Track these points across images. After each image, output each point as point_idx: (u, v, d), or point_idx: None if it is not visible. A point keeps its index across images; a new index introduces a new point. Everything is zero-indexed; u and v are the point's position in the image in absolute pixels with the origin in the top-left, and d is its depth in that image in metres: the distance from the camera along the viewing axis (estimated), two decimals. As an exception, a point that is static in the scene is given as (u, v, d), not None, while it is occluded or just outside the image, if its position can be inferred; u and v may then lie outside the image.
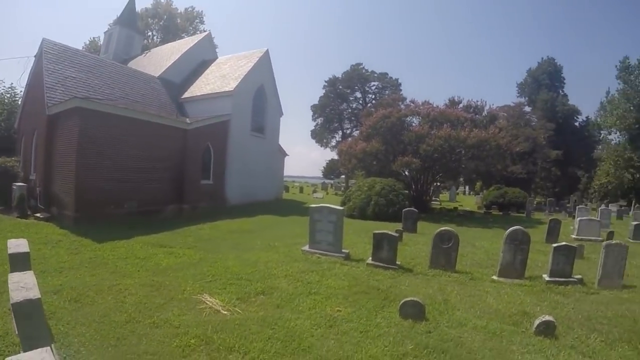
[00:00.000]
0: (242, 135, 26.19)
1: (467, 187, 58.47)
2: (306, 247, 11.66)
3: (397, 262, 10.52)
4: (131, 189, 18.00)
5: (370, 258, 10.63)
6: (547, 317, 6.80)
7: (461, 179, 50.39)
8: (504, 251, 10.30)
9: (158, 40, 58.23)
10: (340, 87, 72.25)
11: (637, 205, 47.16)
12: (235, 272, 9.16)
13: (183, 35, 55.51)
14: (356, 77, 71.50)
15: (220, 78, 27.51)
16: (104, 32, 39.73)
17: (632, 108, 56.86)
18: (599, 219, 22.62)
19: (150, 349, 5.38)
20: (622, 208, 40.46)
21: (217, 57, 33.54)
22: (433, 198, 38.59)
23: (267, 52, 30.16)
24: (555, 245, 10.30)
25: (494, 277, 10.30)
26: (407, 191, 26.59)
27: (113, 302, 7.03)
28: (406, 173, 29.16)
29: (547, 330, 6.61)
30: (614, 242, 10.60)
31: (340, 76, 72.06)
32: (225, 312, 6.76)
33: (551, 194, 54.56)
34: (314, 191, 44.10)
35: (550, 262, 10.25)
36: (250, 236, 14.88)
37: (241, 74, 26.82)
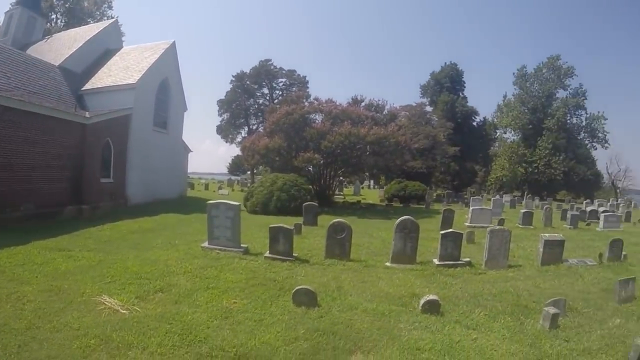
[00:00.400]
0: (144, 130, 24.93)
1: (372, 182, 60.28)
2: (206, 244, 11.56)
3: (294, 254, 10.72)
4: (28, 189, 16.55)
5: (268, 251, 10.79)
6: (432, 297, 7.30)
7: (366, 174, 52.14)
8: (395, 239, 10.85)
9: (62, 24, 54.11)
10: (248, 82, 71.43)
11: (529, 195, 51.02)
12: (135, 271, 9.01)
13: (89, 20, 51.97)
14: (264, 73, 70.99)
15: (123, 69, 25.72)
16: (5, 13, 35.97)
17: (526, 110, 64.90)
18: (491, 208, 24.30)
19: (51, 353, 5.24)
20: (515, 198, 43.69)
21: (122, 47, 31.66)
22: (337, 192, 39.44)
23: (173, 44, 29.04)
24: (442, 232, 11.09)
25: (387, 264, 10.80)
26: (310, 186, 26.97)
27: (12, 310, 6.70)
28: (310, 169, 29.65)
29: (432, 308, 7.09)
30: (497, 227, 11.62)
31: (248, 71, 71.40)
32: (124, 311, 6.68)
33: (451, 187, 57.94)
34: (220, 188, 43.59)
35: (439, 248, 10.98)
36: (151, 235, 14.57)
37: (145, 66, 25.45)
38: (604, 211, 26.78)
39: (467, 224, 19.56)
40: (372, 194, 44.62)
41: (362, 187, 52.03)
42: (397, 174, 41.61)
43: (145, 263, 9.90)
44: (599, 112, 65.37)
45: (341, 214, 21.39)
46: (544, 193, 57.48)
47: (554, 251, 11.97)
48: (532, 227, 20.92)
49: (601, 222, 22.73)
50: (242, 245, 11.43)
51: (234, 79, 71.57)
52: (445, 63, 70.80)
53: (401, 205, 32.98)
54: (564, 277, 10.79)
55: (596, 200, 47.87)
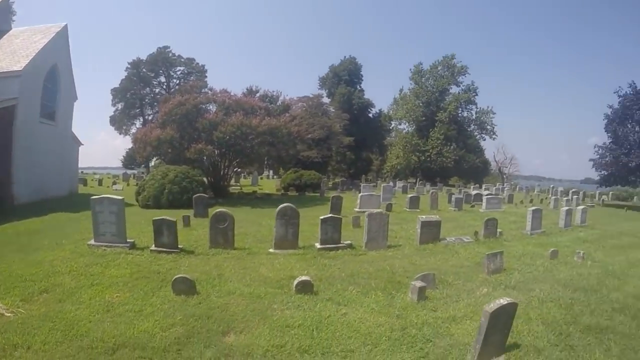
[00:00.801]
0: (30, 122, 22.48)
1: (271, 172, 60.27)
2: (92, 241, 11.17)
3: (179, 246, 10.72)
4: None
5: (154, 245, 10.72)
6: (304, 277, 7.68)
7: (265, 164, 52.25)
8: (277, 226, 11.21)
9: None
10: (144, 70, 67.26)
11: (421, 181, 53.91)
12: (20, 274, 8.64)
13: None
14: (162, 60, 67.80)
15: (9, 54, 23.10)
16: None
17: (420, 104, 69.14)
18: (382, 194, 25.44)
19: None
20: (408, 184, 45.82)
21: (11, 28, 28.81)
22: (234, 183, 39.29)
23: (65, 27, 26.50)
24: (322, 217, 11.56)
25: (271, 250, 11.13)
26: (202, 178, 26.73)
27: None
28: (204, 160, 28.93)
29: (305, 288, 7.45)
30: (375, 211, 12.30)
31: (145, 58, 67.64)
32: (9, 315, 6.51)
33: (347, 175, 59.71)
34: (114, 183, 41.59)
35: (319, 232, 11.44)
36: (38, 237, 13.74)
37: (33, 50, 22.96)
38: (487, 194, 28.84)
39: (356, 209, 20.37)
40: (270, 184, 44.81)
41: (261, 178, 51.84)
42: (293, 164, 41.80)
43: (30, 265, 9.48)
44: (488, 106, 71.06)
45: (235, 205, 21.52)
46: (437, 179, 60.55)
47: (431, 231, 12.93)
48: (419, 210, 22.19)
49: (484, 204, 24.64)
50: (128, 240, 11.20)
51: (129, 66, 67.06)
52: (345, 57, 71.95)
53: (297, 194, 33.36)
54: (440, 254, 11.76)
55: (484, 185, 52.11)
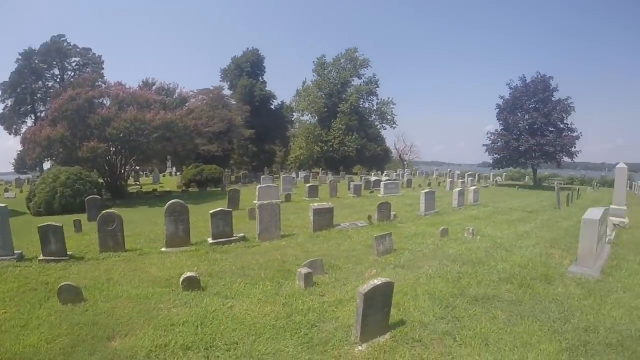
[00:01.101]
0: None
1: (174, 169, 58.23)
2: None
3: (68, 253, 10.06)
4: None
5: (42, 254, 9.89)
6: (190, 274, 7.40)
7: (168, 161, 50.62)
8: (167, 224, 10.78)
9: None
10: (37, 61, 61.73)
11: (323, 171, 55.25)
12: None
13: None
14: (56, 51, 62.09)
15: None
16: None
17: (323, 96, 70.17)
18: (282, 185, 25.43)
19: None
20: (311, 174, 46.47)
21: None
22: (134, 183, 37.82)
23: None
24: (212, 211, 11.27)
25: (163, 249, 10.72)
26: (98, 179, 25.39)
27: None
28: (99, 159, 27.30)
29: (191, 284, 7.20)
30: (266, 202, 12.20)
31: (37, 49, 61.50)
32: None
33: (251, 168, 59.13)
34: (7, 190, 38.20)
35: (211, 227, 11.17)
36: None
37: None
38: (386, 180, 29.63)
39: (255, 201, 20.06)
40: (172, 181, 43.33)
41: (164, 175, 49.89)
42: (193, 159, 40.69)
43: None
44: (389, 98, 73.77)
45: (134, 205, 20.76)
46: (341, 168, 61.45)
47: (324, 218, 13.00)
48: (318, 199, 22.35)
49: (382, 190, 25.30)
50: (16, 251, 10.26)
51: (20, 57, 60.85)
52: (248, 48, 70.52)
53: (198, 190, 32.57)
54: (333, 240, 11.85)
55: (386, 171, 53.57)
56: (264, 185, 21.35)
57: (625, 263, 9.79)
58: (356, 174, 56.98)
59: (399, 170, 58.34)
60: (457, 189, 21.05)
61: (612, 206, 16.60)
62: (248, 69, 66.19)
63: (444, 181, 41.05)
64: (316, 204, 13.63)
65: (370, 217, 14.75)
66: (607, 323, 6.10)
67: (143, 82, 36.64)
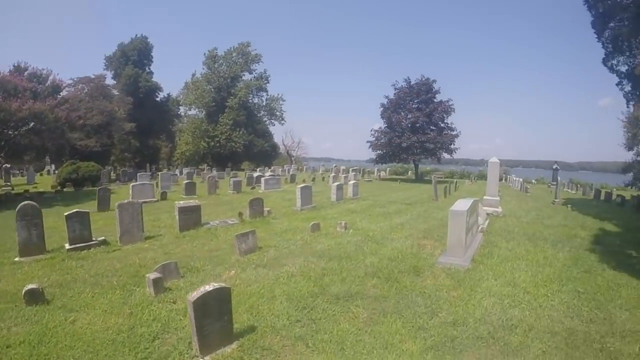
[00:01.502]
0: None
1: (53, 166, 53.79)
2: None
3: None
4: None
5: None
6: (31, 286, 6.79)
7: (47, 158, 46.57)
8: (18, 229, 9.81)
9: None
10: None
11: (208, 167, 55.06)
12: None
13: None
14: None
15: None
16: None
17: (212, 90, 69.01)
18: (160, 182, 24.68)
19: None
20: (195, 171, 45.76)
21: None
22: (4, 183, 34.79)
23: None
24: (66, 213, 10.52)
25: (16, 259, 9.76)
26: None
27: None
28: None
29: (34, 298, 6.63)
30: (125, 201, 11.65)
31: None
32: None
33: (133, 165, 56.82)
34: None
35: (67, 230, 10.43)
36: None
37: None
38: (269, 175, 29.73)
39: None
40: (49, 180, 40.31)
41: (41, 174, 45.83)
42: (68, 155, 37.83)
43: None
44: (278, 94, 75.71)
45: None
46: (229, 164, 60.72)
47: (191, 217, 12.76)
48: (196, 196, 21.95)
49: (262, 185, 25.31)
50: None
51: None
52: (136, 35, 66.89)
53: (74, 189, 30.20)
54: (199, 239, 11.66)
55: (273, 167, 53.64)
56: (137, 183, 20.54)
57: (496, 250, 10.63)
58: (244, 170, 56.61)
59: (285, 166, 58.54)
60: (335, 183, 21.59)
61: (485, 197, 17.92)
62: (134, 58, 63.25)
63: (328, 176, 41.81)
64: (182, 202, 13.33)
65: (241, 214, 14.67)
66: (476, 314, 6.37)
67: (14, 66, 33.89)
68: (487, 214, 16.69)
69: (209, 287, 5.01)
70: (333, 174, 38.41)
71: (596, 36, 25.42)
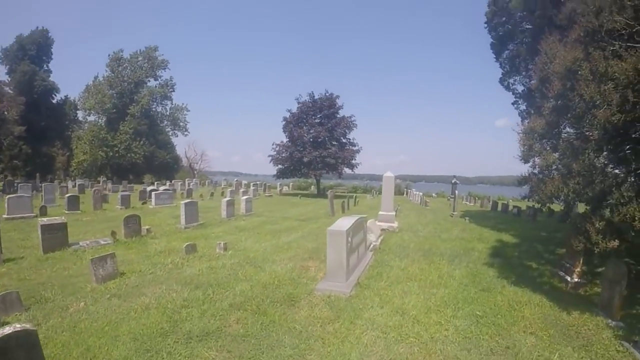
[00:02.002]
0: None
1: None
2: None
3: None
4: None
5: None
6: None
7: None
8: None
9: None
10: None
11: (104, 179, 51.03)
12: None
13: None
14: None
15: None
16: None
17: (114, 94, 64.34)
18: (43, 194, 22.58)
19: None
20: (90, 183, 42.92)
21: None
22: None
23: None
24: None
25: None
26: None
27: None
28: None
29: None
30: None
31: None
32: None
33: (24, 174, 52.19)
34: None
35: None
36: None
37: None
38: (163, 190, 28.20)
39: (5, 215, 17.04)
40: None
41: None
42: None
43: None
44: (182, 103, 72.28)
45: None
46: (131, 177, 57.75)
47: (56, 236, 11.19)
48: (79, 211, 20.01)
49: (153, 200, 23.74)
50: None
51: None
52: (37, 27, 62.22)
53: None
54: (63, 262, 10.13)
55: (174, 181, 51.45)
56: (14, 196, 18.17)
57: (387, 270, 9.98)
58: (143, 182, 53.85)
59: (187, 179, 55.34)
60: (225, 199, 20.38)
61: (380, 212, 17.45)
62: (32, 53, 58.81)
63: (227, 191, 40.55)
64: (45, 219, 11.67)
65: (114, 233, 13.02)
66: (353, 355, 5.46)
67: None
68: (383, 229, 16.26)
69: (8, 330, 3.78)
70: (231, 189, 37.29)
71: (494, 57, 26.69)
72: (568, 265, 9.84)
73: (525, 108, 24.95)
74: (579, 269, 9.47)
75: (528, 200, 12.64)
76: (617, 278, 7.19)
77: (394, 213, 17.82)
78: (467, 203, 43.40)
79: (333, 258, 8.36)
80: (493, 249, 13.89)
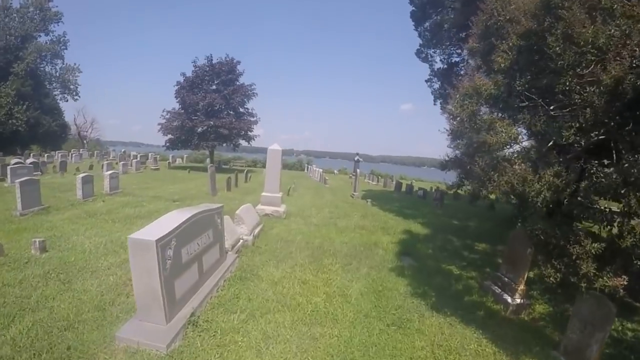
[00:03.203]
0: None
1: None
2: None
3: None
4: None
5: None
6: None
7: None
8: None
9: None
10: None
11: None
12: None
13: None
14: None
15: None
16: None
17: None
18: None
19: None
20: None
21: None
22: None
23: None
24: None
25: None
26: None
27: None
28: None
29: None
30: None
31: None
32: None
33: None
34: None
35: None
36: None
37: None
38: (16, 164, 22.62)
39: None
40: None
41: None
42: None
43: None
44: (75, 63, 61.83)
45: None
46: (17, 148, 50.02)
47: None
48: None
49: (9, 177, 18.77)
50: None
51: None
52: None
53: None
54: None
55: (59, 152, 44.04)
56: None
57: (252, 286, 6.96)
58: (24, 154, 46.61)
59: (72, 150, 48.49)
60: (81, 175, 16.11)
61: (264, 193, 14.28)
62: None
63: (127, 163, 35.12)
64: None
65: None
66: None
67: None
68: (266, 214, 13.34)
69: None
70: (107, 162, 31.29)
71: (414, 26, 24.44)
72: (507, 279, 7.29)
73: (439, 86, 23.08)
74: (522, 287, 7.02)
75: (459, 190, 10.18)
76: (598, 321, 4.76)
77: (280, 194, 14.57)
78: (370, 182, 41.40)
79: (141, 286, 4.87)
80: (401, 243, 11.26)
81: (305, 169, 53.10)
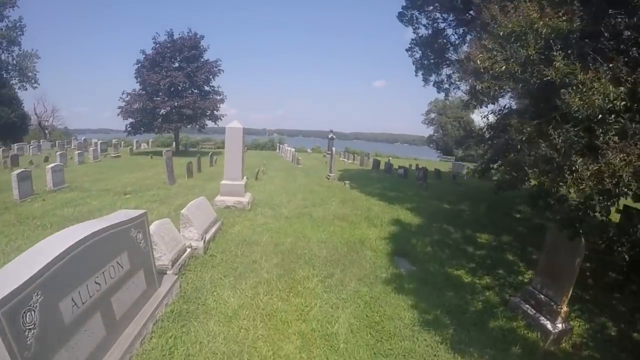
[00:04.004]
0: None
1: None
2: None
3: None
4: None
5: None
6: None
7: None
8: None
9: None
10: None
11: None
12: None
13: None
14: None
15: None
16: None
17: None
18: None
19: None
20: None
21: None
22: None
23: None
24: None
25: None
26: None
27: None
28: None
29: None
30: None
31: None
32: None
33: None
34: None
35: None
36: None
37: None
38: None
39: None
40: None
41: None
42: None
43: None
44: (32, 49, 58.01)
45: None
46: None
47: None
48: None
49: None
50: None
51: None
52: None
53: None
54: None
55: (17, 144, 41.38)
56: None
57: (192, 331, 4.74)
58: None
59: (32, 141, 45.11)
60: (16, 172, 13.08)
61: (223, 181, 11.84)
62: None
63: (85, 152, 32.12)
64: None
65: None
66: None
67: None
68: (227, 206, 11.28)
69: None
70: (60, 152, 26.67)
71: None
72: (544, 297, 5.44)
73: (422, 55, 20.81)
74: (565, 309, 5.16)
75: (475, 175, 8.27)
76: None
77: (243, 182, 12.24)
78: (345, 160, 39.55)
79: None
80: (392, 239, 9.30)
81: (277, 148, 50.90)
